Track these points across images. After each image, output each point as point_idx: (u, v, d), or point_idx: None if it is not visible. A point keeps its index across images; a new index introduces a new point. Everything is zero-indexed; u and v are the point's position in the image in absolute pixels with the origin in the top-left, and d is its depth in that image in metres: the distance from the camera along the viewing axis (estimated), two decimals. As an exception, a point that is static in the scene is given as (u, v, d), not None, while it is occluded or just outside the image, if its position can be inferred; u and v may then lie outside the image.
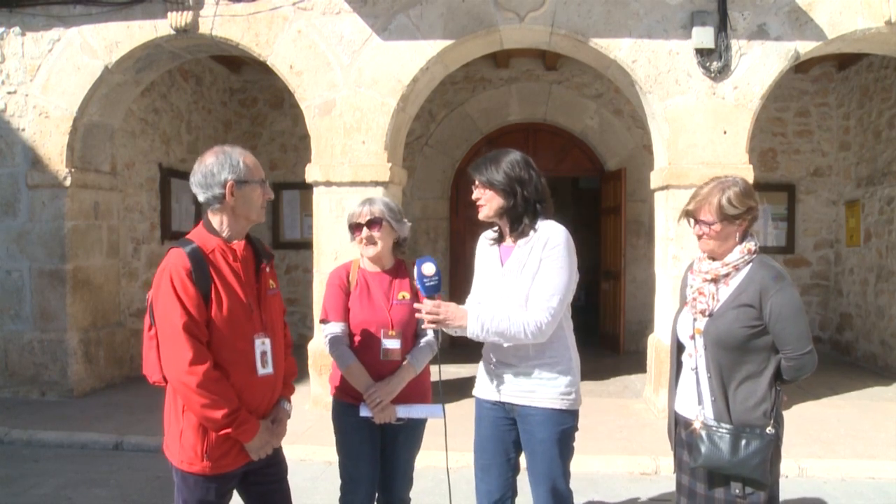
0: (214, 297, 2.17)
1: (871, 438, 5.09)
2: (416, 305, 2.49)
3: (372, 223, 2.82)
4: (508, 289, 2.48)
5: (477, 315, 2.42)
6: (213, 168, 2.23)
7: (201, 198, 2.26)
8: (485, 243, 2.69)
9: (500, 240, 2.62)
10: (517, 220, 2.51)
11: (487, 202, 2.54)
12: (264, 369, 2.29)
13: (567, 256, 2.44)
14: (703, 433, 2.30)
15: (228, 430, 2.16)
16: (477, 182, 2.57)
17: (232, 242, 2.28)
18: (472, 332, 2.41)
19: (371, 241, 2.82)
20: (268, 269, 2.40)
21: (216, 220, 2.28)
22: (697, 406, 2.38)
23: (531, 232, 2.49)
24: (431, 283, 2.39)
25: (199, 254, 2.18)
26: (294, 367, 2.54)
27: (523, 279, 2.45)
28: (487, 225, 2.74)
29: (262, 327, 2.31)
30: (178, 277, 2.12)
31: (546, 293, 2.41)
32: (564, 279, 2.43)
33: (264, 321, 2.32)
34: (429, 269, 2.37)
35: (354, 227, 2.86)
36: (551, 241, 2.44)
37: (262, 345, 2.29)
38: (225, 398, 2.14)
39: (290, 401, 2.49)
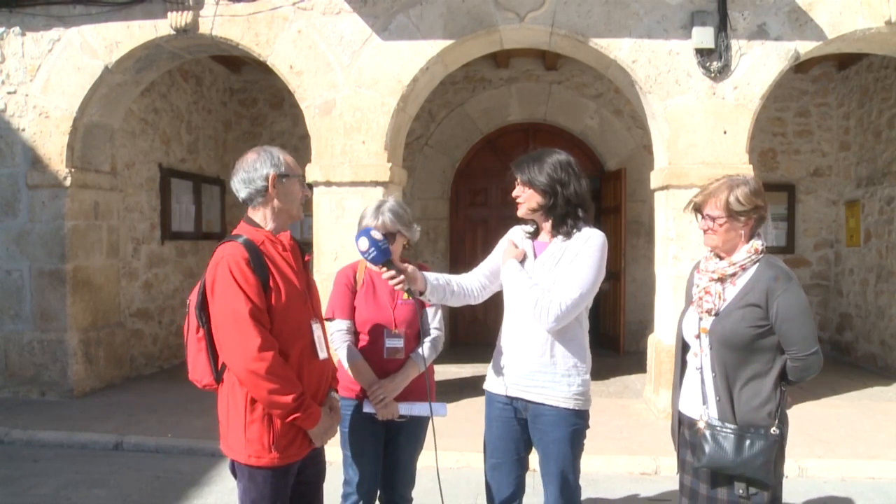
0: (273, 285, 2.20)
1: (871, 438, 5.09)
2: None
3: (384, 237, 2.82)
4: (538, 280, 2.51)
5: (519, 265, 2.53)
6: (256, 163, 2.29)
7: (243, 194, 2.31)
8: (518, 234, 2.69)
9: (534, 236, 2.65)
10: (561, 220, 2.54)
11: (525, 200, 2.56)
12: (322, 354, 2.35)
13: (600, 257, 2.49)
14: (708, 433, 2.30)
15: (297, 415, 2.17)
16: (518, 180, 2.58)
17: (278, 235, 2.33)
18: (507, 270, 2.55)
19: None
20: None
21: (258, 215, 2.33)
22: (702, 406, 2.37)
23: (575, 233, 2.53)
24: (369, 255, 2.38)
25: (252, 244, 2.22)
26: (336, 363, 2.61)
27: (556, 273, 2.49)
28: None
29: (314, 314, 2.37)
30: (237, 267, 2.14)
31: (570, 283, 2.44)
32: (591, 276, 2.46)
33: (314, 308, 2.40)
34: (363, 243, 2.37)
35: None
36: (591, 239, 2.50)
37: (317, 330, 2.35)
38: (292, 383, 2.17)
39: (337, 391, 2.54)
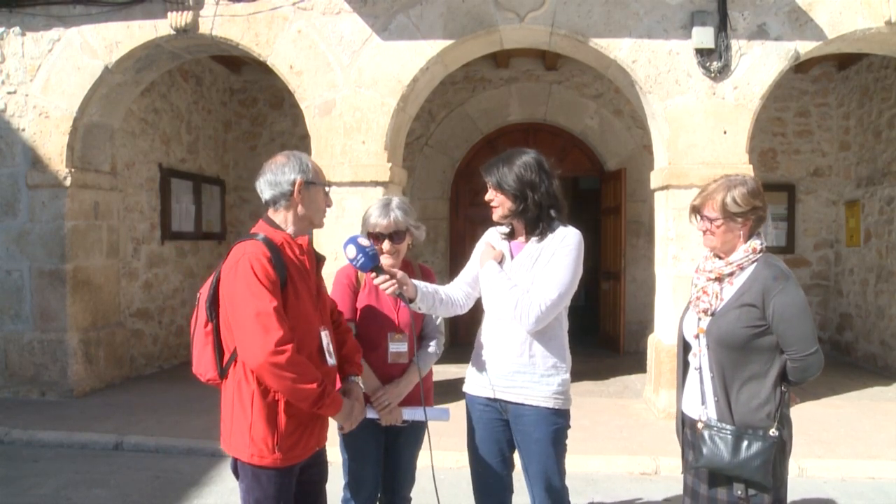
0: (290, 286, 2.21)
1: (871, 438, 5.09)
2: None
3: (395, 235, 2.78)
4: (517, 282, 2.50)
5: (498, 267, 2.52)
6: (284, 167, 2.30)
7: (267, 195, 2.32)
8: (494, 236, 2.69)
9: (511, 236, 2.64)
10: (533, 223, 2.53)
11: (500, 205, 2.55)
12: (331, 361, 2.34)
13: (576, 256, 2.48)
14: (705, 433, 2.29)
15: (322, 403, 2.18)
16: (489, 184, 2.57)
17: (296, 238, 2.33)
18: (486, 272, 2.53)
19: (393, 253, 2.79)
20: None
21: (279, 217, 2.33)
22: (701, 406, 2.37)
23: (549, 234, 2.52)
24: (357, 262, 2.39)
25: (272, 243, 2.23)
26: (359, 347, 2.60)
27: (534, 274, 2.48)
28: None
29: (322, 321, 2.36)
30: (258, 264, 2.14)
31: (548, 284, 2.44)
32: (569, 276, 2.45)
33: (323, 316, 2.39)
34: (350, 251, 2.39)
35: (374, 237, 2.78)
36: (567, 238, 2.49)
37: (325, 337, 2.35)
38: (312, 371, 2.17)
39: (359, 376, 2.55)
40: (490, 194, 2.57)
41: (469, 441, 2.67)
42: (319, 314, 2.36)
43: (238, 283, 2.15)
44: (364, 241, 2.40)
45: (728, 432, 2.25)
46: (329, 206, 2.42)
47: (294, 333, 2.19)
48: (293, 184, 2.27)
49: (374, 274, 2.40)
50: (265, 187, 2.32)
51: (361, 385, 2.53)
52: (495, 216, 2.59)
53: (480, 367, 2.61)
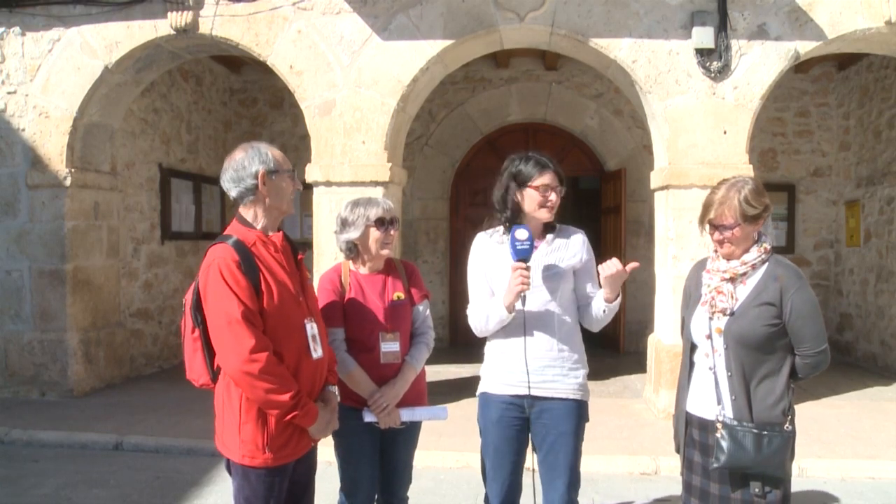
0: (264, 287, 2.20)
1: (871, 438, 5.09)
2: (514, 265, 2.48)
3: (393, 221, 2.82)
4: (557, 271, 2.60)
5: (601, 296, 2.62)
6: (244, 161, 2.27)
7: (234, 193, 2.30)
8: (490, 243, 2.65)
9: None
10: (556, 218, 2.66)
11: (557, 200, 2.61)
12: (317, 353, 2.34)
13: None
14: (726, 433, 2.30)
15: (295, 413, 2.18)
16: (552, 180, 2.59)
17: (269, 234, 2.31)
18: (608, 304, 2.56)
19: (392, 240, 2.83)
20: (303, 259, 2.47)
21: (249, 213, 2.32)
22: (716, 406, 2.37)
23: (556, 225, 2.66)
24: (523, 246, 2.44)
25: (243, 246, 2.21)
26: (333, 355, 2.59)
27: (566, 264, 2.60)
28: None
29: (309, 312, 2.36)
30: (227, 269, 2.14)
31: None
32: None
33: (309, 307, 2.38)
34: (521, 234, 2.45)
35: (388, 223, 2.78)
36: (585, 241, 2.66)
37: (312, 329, 2.34)
38: (288, 381, 2.17)
39: (336, 385, 2.53)
40: (557, 192, 2.59)
41: (485, 442, 2.66)
42: (305, 307, 2.34)
43: (209, 291, 2.16)
44: (528, 232, 2.49)
45: (748, 430, 2.28)
46: (298, 189, 2.40)
47: (275, 336, 2.19)
48: (256, 176, 2.25)
49: (523, 262, 2.46)
50: (230, 185, 2.29)
51: (337, 394, 2.52)
52: (550, 214, 2.59)
53: (504, 365, 2.60)
